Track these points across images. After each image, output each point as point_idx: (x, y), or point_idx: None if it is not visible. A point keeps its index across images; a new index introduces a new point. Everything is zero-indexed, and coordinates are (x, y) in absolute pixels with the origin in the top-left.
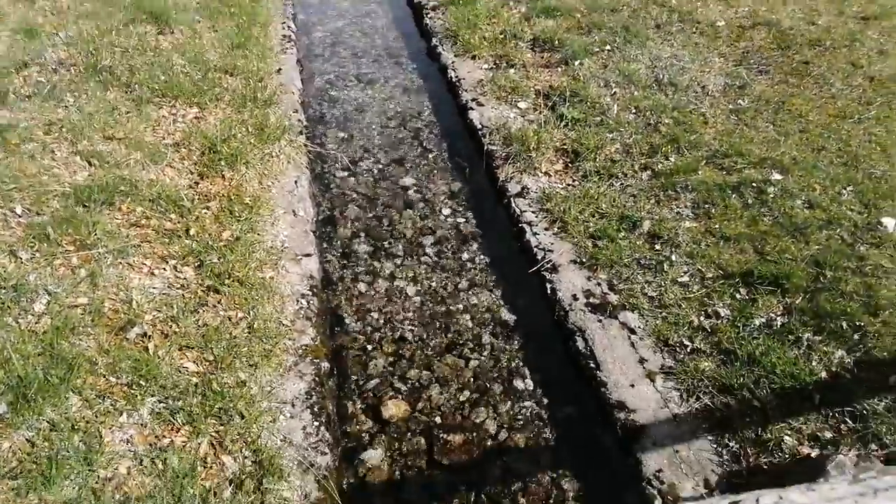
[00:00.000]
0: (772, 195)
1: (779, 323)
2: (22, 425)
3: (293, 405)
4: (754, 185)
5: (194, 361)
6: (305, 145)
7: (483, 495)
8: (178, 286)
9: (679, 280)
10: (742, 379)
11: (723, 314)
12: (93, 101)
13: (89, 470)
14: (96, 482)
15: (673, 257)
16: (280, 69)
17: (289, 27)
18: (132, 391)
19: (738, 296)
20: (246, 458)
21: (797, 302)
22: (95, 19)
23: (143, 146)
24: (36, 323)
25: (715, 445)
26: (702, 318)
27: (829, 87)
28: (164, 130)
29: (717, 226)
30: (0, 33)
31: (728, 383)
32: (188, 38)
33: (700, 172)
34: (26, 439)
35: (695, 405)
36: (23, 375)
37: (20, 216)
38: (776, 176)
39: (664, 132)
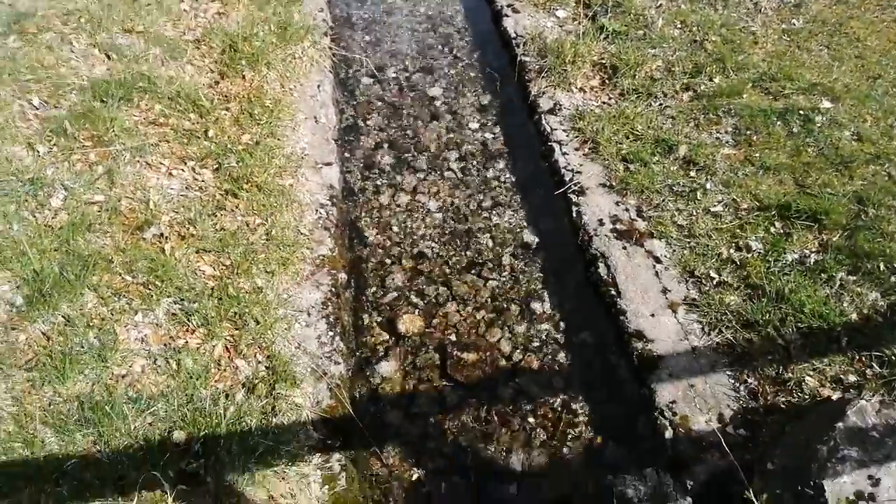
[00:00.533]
0: (819, 124)
1: (812, 260)
2: (38, 319)
3: (308, 314)
4: (801, 112)
5: (211, 265)
6: (330, 48)
7: (494, 412)
8: (196, 188)
9: (712, 209)
10: (768, 316)
11: (754, 247)
12: None
13: (103, 366)
14: (110, 378)
15: (708, 185)
16: None
17: None
18: (148, 291)
19: (772, 229)
20: (260, 363)
21: (834, 239)
22: None
23: (162, 41)
24: (53, 218)
25: (733, 381)
26: (732, 251)
27: (892, 10)
28: (184, 25)
29: (757, 154)
30: None
31: (752, 319)
32: None
33: (745, 96)
34: (42, 333)
35: (716, 339)
36: (38, 270)
37: (37, 108)
38: (825, 104)
39: (710, 50)
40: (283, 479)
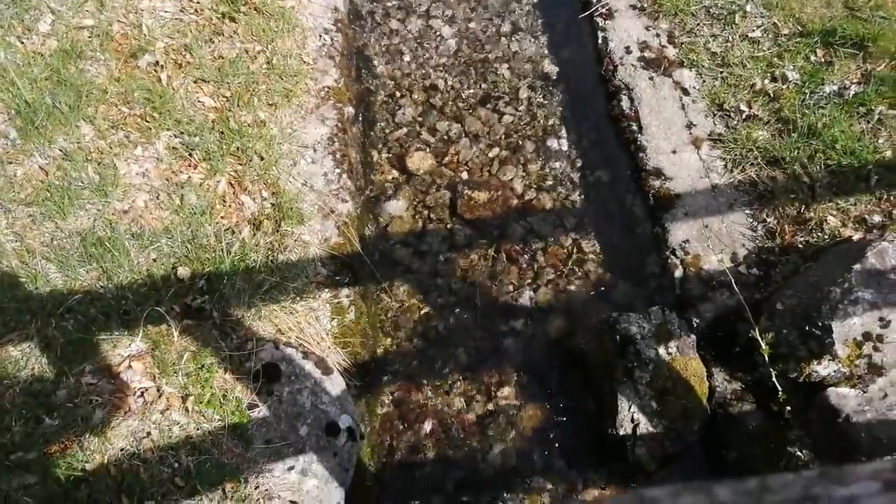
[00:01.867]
0: None
1: (852, 92)
2: (34, 152)
3: (314, 150)
4: None
5: (210, 96)
6: None
7: (502, 251)
8: (192, 11)
9: (749, 35)
10: (796, 152)
11: (791, 77)
12: None
13: (104, 201)
14: (112, 213)
15: (748, 7)
16: None
17: None
18: (146, 123)
19: (812, 57)
20: (265, 199)
21: (879, 69)
22: None
23: None
24: (41, 45)
25: (751, 220)
26: (766, 82)
27: None
28: None
29: None
30: None
31: (779, 156)
32: None
33: None
34: (39, 167)
35: (738, 177)
36: (30, 101)
37: None
38: None
39: None
40: (291, 313)
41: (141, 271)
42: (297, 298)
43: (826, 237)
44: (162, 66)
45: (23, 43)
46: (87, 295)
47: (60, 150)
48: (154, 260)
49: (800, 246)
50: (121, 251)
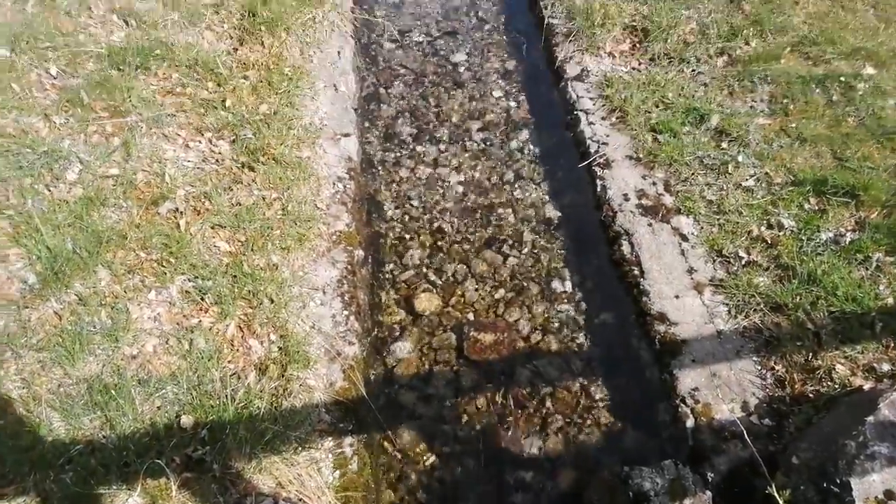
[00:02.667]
0: (861, 92)
1: (848, 239)
2: (51, 297)
3: (324, 292)
4: (842, 79)
5: (226, 241)
6: (352, 11)
7: (510, 396)
8: (213, 161)
9: (743, 184)
10: (798, 299)
11: (786, 225)
12: None
13: (114, 346)
14: (121, 359)
15: (740, 158)
16: None
17: None
18: (162, 268)
19: (806, 206)
20: (273, 343)
21: (872, 217)
22: None
23: (181, 5)
24: (67, 192)
25: (759, 368)
26: (762, 229)
27: None
28: None
29: (794, 125)
30: None
31: (782, 302)
32: None
33: (783, 61)
34: (54, 312)
35: (742, 323)
36: (52, 247)
37: (55, 78)
38: (869, 70)
39: (748, 12)
40: (292, 465)
41: (144, 420)
42: (300, 448)
43: (836, 386)
44: (181, 212)
45: (50, 191)
46: (89, 445)
47: (76, 295)
48: (158, 408)
49: (811, 395)
50: (126, 399)
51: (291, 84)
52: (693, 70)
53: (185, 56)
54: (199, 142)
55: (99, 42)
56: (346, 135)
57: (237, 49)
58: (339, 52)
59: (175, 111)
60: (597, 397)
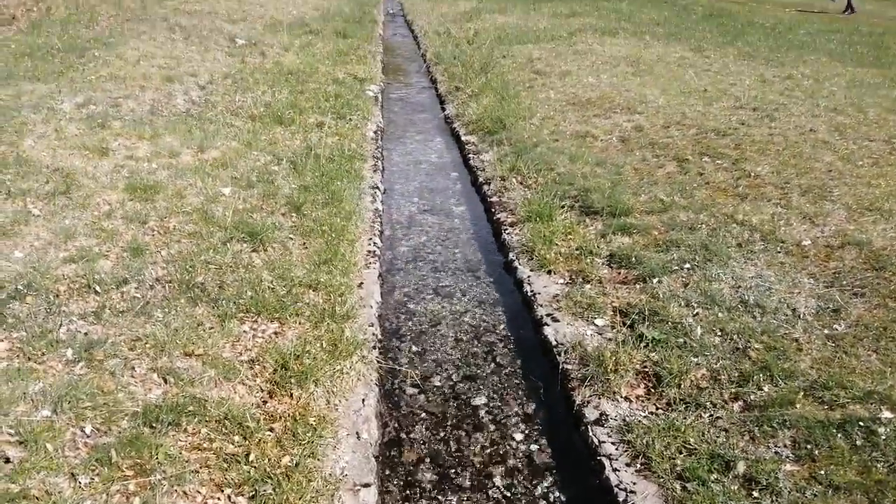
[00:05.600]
0: (883, 437)
1: None
2: None
3: None
4: (861, 423)
5: None
6: (378, 361)
7: None
8: None
9: None
10: None
11: None
12: (180, 317)
13: None
14: None
15: None
16: (361, 283)
17: (374, 243)
18: None
19: None
20: None
21: None
22: (197, 238)
23: (218, 363)
24: None
25: None
26: None
27: None
28: (242, 346)
29: (822, 471)
30: (111, 251)
31: None
32: (279, 255)
33: (798, 406)
34: None
35: None
36: None
37: (88, 436)
38: (886, 414)
39: (755, 358)
40: None
41: None
42: None
43: None
44: None
45: None
46: None
47: None
48: None
49: None
50: None
51: (315, 434)
52: (710, 415)
53: (217, 411)
54: (219, 499)
55: (136, 400)
56: (366, 485)
57: (266, 401)
58: (363, 400)
59: (199, 467)
60: None
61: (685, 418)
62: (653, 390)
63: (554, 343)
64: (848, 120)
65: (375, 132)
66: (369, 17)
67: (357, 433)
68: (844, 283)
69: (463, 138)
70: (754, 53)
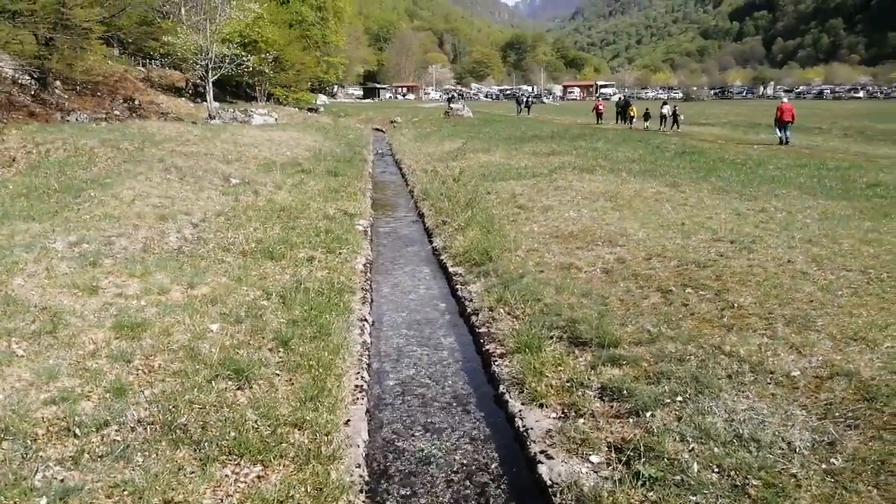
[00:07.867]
0: None
1: None
2: None
3: None
4: None
5: None
6: None
7: None
8: None
9: None
10: None
11: None
12: (161, 461)
13: None
14: None
15: None
16: (348, 420)
17: (362, 377)
18: None
19: None
20: None
21: None
22: (182, 377)
23: None
24: None
25: None
26: None
27: None
28: (223, 491)
29: None
30: (93, 392)
31: None
32: (265, 392)
33: None
34: None
35: None
36: None
37: None
38: None
39: (754, 496)
40: None
41: None
42: None
43: None
44: None
45: None
46: None
47: None
48: None
49: None
50: None
51: None
52: None
53: None
54: None
55: None
56: None
57: None
58: None
59: None
60: None
61: None
62: None
63: (549, 483)
64: (824, 251)
65: (365, 265)
66: (360, 156)
67: None
68: (837, 414)
69: (450, 270)
70: (727, 188)
